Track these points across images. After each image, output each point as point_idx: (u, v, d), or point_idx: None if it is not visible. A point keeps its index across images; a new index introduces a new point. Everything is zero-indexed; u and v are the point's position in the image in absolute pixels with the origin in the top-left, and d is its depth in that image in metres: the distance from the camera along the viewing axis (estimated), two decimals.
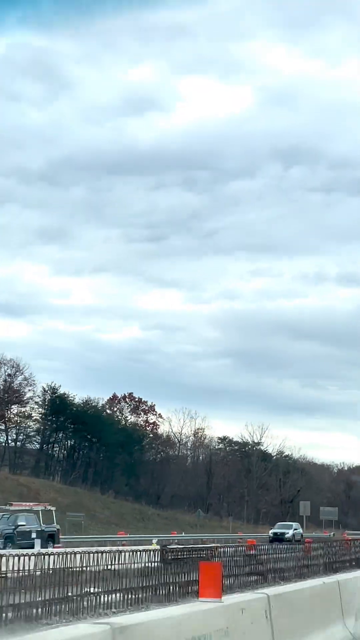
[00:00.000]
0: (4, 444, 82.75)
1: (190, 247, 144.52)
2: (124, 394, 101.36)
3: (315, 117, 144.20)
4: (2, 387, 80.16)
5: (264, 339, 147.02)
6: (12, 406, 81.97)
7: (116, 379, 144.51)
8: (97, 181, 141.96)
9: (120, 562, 10.63)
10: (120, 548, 13.86)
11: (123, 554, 10.74)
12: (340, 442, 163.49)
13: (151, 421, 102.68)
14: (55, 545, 37.86)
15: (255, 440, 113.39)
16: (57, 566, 9.36)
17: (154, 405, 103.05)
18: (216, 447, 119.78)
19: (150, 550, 11.87)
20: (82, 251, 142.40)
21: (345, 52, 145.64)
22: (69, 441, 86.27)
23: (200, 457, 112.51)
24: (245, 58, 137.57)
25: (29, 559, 9.05)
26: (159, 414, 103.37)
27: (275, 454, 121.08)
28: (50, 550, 20.71)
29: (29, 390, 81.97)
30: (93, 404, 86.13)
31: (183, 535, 59.00)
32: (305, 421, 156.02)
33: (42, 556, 9.33)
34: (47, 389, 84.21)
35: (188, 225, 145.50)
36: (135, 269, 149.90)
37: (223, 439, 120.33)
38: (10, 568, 8.91)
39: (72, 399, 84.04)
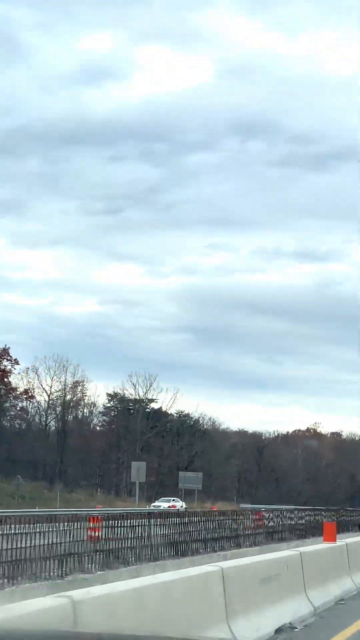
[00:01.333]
0: None
1: (149, 220, 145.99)
2: None
3: (274, 90, 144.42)
4: None
5: (222, 314, 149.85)
6: None
7: (73, 352, 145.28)
8: (54, 152, 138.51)
9: None
10: None
11: None
12: (295, 417, 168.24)
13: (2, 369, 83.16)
14: None
15: (141, 396, 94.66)
16: None
17: (8, 348, 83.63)
18: (105, 405, 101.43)
19: None
20: (39, 223, 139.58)
21: (305, 26, 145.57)
22: None
23: (77, 415, 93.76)
24: (204, 28, 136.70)
25: None
26: (15, 359, 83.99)
27: (174, 413, 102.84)
28: None
29: None
30: None
31: None
32: (262, 396, 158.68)
33: None
34: None
35: (146, 198, 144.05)
36: (94, 242, 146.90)
37: (114, 396, 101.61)
38: None
39: None
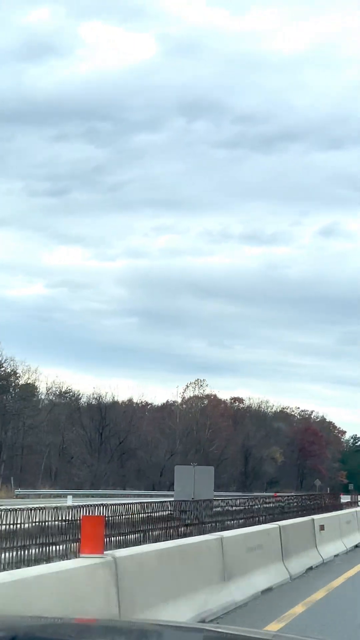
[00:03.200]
0: None
1: (95, 201, 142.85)
2: None
3: (219, 69, 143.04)
4: None
5: (171, 297, 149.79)
6: None
7: (22, 336, 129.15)
8: None
9: None
10: None
11: None
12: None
13: None
14: None
15: None
16: None
17: None
18: None
19: None
20: None
21: (250, 3, 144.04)
22: None
23: None
24: (146, 3, 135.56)
25: None
26: None
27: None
28: None
29: None
30: None
31: None
32: (212, 381, 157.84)
33: None
34: None
35: (92, 178, 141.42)
36: (39, 223, 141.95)
37: None
38: None
39: None
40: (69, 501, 38.74)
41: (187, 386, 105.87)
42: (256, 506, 19.41)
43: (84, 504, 14.44)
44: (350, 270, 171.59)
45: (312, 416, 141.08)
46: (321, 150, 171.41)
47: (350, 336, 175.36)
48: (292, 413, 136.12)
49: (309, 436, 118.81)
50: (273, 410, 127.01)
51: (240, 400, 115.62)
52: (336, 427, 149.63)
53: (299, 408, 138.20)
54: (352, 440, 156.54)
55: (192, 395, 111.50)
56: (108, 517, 12.56)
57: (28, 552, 11.17)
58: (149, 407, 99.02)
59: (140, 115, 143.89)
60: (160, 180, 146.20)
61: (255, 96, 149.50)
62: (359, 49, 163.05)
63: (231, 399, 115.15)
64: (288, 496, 28.30)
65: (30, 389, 77.22)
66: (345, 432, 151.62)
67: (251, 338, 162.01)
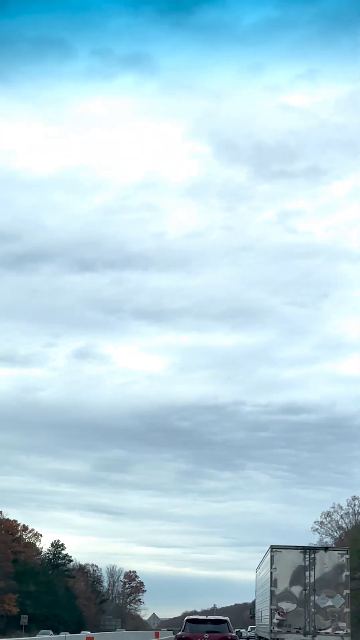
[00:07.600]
0: None
1: None
2: None
3: None
4: None
5: None
6: None
7: None
8: None
9: None
10: None
11: None
12: None
13: None
14: None
15: None
16: None
17: None
18: None
19: None
20: None
21: None
22: None
23: None
24: None
25: None
26: None
27: None
28: None
29: None
30: None
31: None
32: None
33: None
34: None
35: None
36: None
37: None
38: None
39: None
40: None
41: None
42: None
43: None
44: (104, 394, 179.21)
45: None
46: (72, 272, 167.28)
47: (105, 462, 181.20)
48: None
49: None
50: None
51: None
52: (27, 527, 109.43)
53: None
54: (52, 552, 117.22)
55: None
56: None
57: None
58: None
59: None
60: None
61: (5, 213, 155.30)
62: (108, 175, 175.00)
63: None
64: None
65: None
66: (39, 535, 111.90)
67: (3, 465, 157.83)
